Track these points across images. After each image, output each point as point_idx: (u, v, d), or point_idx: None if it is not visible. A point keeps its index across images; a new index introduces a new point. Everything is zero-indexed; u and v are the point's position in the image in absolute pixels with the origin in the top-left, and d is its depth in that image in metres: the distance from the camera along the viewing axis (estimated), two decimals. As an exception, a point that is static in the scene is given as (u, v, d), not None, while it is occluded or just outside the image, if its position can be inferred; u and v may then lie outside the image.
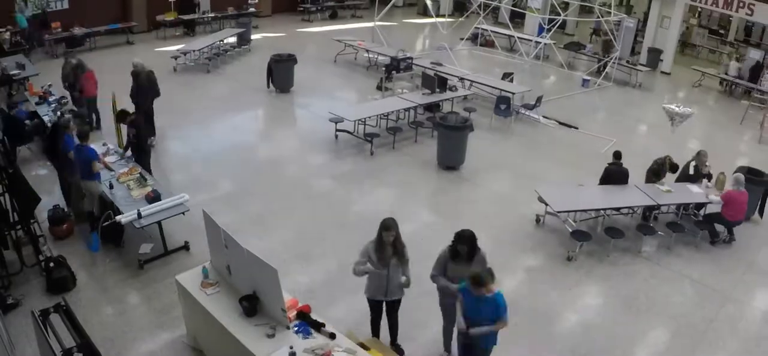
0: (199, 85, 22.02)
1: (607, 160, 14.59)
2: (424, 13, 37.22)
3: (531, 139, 19.51)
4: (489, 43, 31.16)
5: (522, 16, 33.23)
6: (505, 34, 30.85)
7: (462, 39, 29.58)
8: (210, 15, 30.02)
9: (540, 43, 28.14)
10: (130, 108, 14.99)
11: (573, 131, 20.37)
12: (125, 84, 16.18)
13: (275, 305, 8.09)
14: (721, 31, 36.08)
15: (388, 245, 8.74)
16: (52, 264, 10.68)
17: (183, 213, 11.59)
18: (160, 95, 16.75)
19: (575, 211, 13.73)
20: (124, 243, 12.03)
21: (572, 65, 29.18)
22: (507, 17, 30.65)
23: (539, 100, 20.88)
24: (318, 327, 8.17)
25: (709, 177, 14.57)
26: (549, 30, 28.96)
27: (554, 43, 29.07)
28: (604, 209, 14.04)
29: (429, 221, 14.08)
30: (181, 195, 11.86)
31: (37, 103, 16.75)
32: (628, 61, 27.85)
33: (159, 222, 11.52)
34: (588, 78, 25.88)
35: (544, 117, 21.00)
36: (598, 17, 28.20)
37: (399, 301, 9.34)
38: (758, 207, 15.03)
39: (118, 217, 11.18)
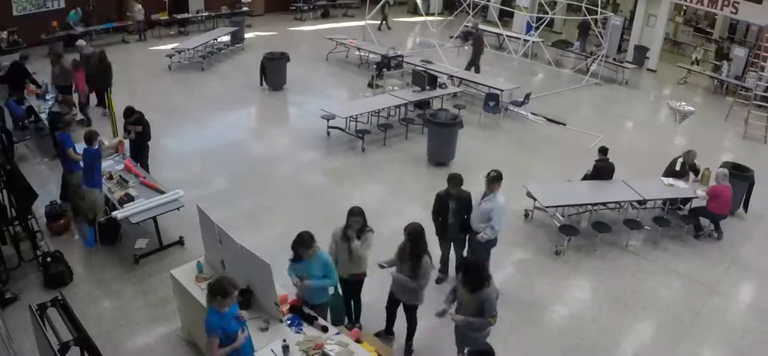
0: (194, 83, 22.01)
1: (594, 156, 14.68)
2: (414, 11, 37.24)
3: (520, 135, 19.59)
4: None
5: (510, 14, 33.30)
6: (493, 33, 30.91)
7: (451, 37, 29.63)
8: (204, 14, 30.06)
9: (528, 41, 28.23)
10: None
11: (561, 127, 20.46)
12: (122, 82, 16.18)
13: (268, 299, 8.15)
14: (708, 30, 36.24)
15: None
16: (49, 259, 10.71)
17: (178, 208, 11.60)
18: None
19: (563, 206, 13.82)
20: (121, 238, 12.06)
21: (560, 63, 29.27)
22: (496, 15, 30.76)
23: (528, 97, 20.93)
24: (310, 320, 8.24)
25: (696, 172, 14.66)
26: (537, 28, 29.06)
27: (542, 41, 29.21)
28: (592, 204, 14.14)
29: (419, 216, 14.08)
30: (175, 192, 11.88)
31: (37, 97, 16.93)
32: (614, 59, 27.97)
33: (154, 218, 11.56)
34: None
35: (532, 113, 21.09)
36: (585, 15, 28.26)
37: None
38: (743, 201, 15.10)
39: (114, 213, 11.22)
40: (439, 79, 20.68)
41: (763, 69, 23.00)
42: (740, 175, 14.76)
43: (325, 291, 8.84)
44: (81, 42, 18.21)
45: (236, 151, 16.75)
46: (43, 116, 15.64)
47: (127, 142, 13.83)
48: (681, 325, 11.02)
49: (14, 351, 8.92)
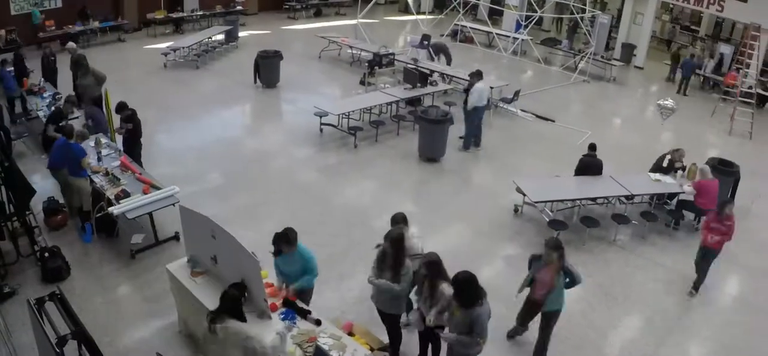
0: (189, 81, 22.00)
1: (583, 152, 14.72)
2: (406, 10, 37.23)
3: (509, 131, 19.64)
4: (468, 40, 31.23)
5: (500, 13, 33.31)
6: (483, 31, 30.95)
7: (442, 35, 29.66)
8: (199, 13, 30.05)
9: (517, 39, 28.27)
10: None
11: (550, 124, 20.53)
12: (118, 80, 16.16)
13: (258, 295, 8.21)
14: (693, 27, 36.32)
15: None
16: (47, 255, 10.73)
17: (173, 204, 11.60)
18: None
19: (552, 201, 13.88)
20: (118, 233, 12.08)
21: (548, 60, 29.34)
22: (485, 14, 30.80)
23: (517, 94, 20.98)
24: (304, 314, 8.27)
25: (683, 169, 14.71)
26: (526, 26, 29.11)
27: (531, 39, 29.26)
28: (580, 199, 14.21)
29: (410, 211, 14.10)
30: (171, 188, 11.91)
31: (34, 94, 16.94)
32: (602, 57, 28.05)
33: (150, 214, 11.59)
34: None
35: (521, 110, 21.15)
36: (573, 14, 28.33)
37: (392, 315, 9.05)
38: (729, 196, 15.15)
39: (110, 209, 11.23)
40: (429, 77, 20.71)
41: (748, 66, 23.07)
42: (726, 171, 14.83)
43: (310, 284, 8.90)
44: (71, 44, 18.21)
45: (230, 148, 16.76)
46: (41, 114, 15.61)
47: (120, 138, 13.91)
48: (668, 318, 11.09)
49: (12, 344, 8.93)
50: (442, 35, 29.21)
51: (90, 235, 11.87)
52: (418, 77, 20.06)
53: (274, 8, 34.91)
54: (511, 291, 11.16)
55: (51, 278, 10.56)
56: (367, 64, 23.61)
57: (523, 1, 31.99)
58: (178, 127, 17.79)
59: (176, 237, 12.03)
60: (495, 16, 33.56)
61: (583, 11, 27.63)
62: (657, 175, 14.44)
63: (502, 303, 10.47)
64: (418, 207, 14.44)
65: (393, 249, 8.42)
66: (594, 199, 14.41)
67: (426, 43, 26.10)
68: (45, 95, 16.76)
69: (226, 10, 31.09)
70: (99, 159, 12.82)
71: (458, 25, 30.61)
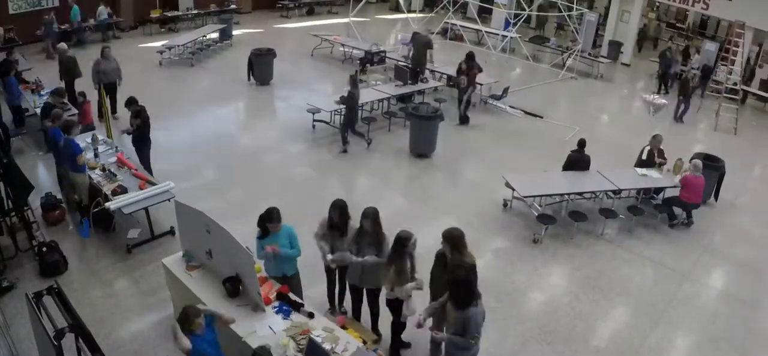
0: (184, 79, 21.97)
1: (571, 148, 14.78)
2: (396, 8, 37.20)
3: (498, 128, 19.69)
4: (458, 37, 31.25)
5: (489, 11, 33.32)
6: (473, 29, 30.97)
7: (432, 33, 29.67)
8: (193, 12, 30.08)
9: (506, 36, 28.30)
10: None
11: (538, 120, 20.58)
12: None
13: (252, 288, 8.24)
14: (679, 25, 36.45)
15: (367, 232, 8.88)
16: (44, 249, 10.75)
17: (169, 200, 11.59)
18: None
19: (541, 196, 13.93)
20: (114, 228, 12.09)
21: (537, 58, 29.38)
22: (475, 12, 30.84)
23: (506, 90, 21.03)
24: (297, 307, 8.29)
25: (662, 156, 14.77)
26: (515, 24, 29.14)
27: (520, 37, 29.32)
28: (568, 194, 14.26)
29: (401, 206, 14.22)
30: (167, 183, 11.92)
31: (32, 91, 16.90)
32: (589, 54, 28.11)
33: (146, 209, 11.60)
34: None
35: (510, 107, 21.19)
36: (561, 12, 28.39)
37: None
38: (714, 191, 15.27)
39: (107, 204, 11.23)
40: (420, 75, 20.72)
41: (733, 63, 23.18)
42: (711, 166, 14.91)
43: (294, 262, 8.98)
44: (62, 45, 18.18)
45: (225, 144, 16.76)
46: (39, 111, 15.57)
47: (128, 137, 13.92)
48: (654, 311, 11.15)
49: (11, 337, 8.96)
50: (432, 33, 29.24)
51: (87, 230, 11.87)
52: (408, 74, 20.09)
53: (267, 7, 34.86)
54: (501, 285, 11.29)
55: (49, 272, 10.57)
56: (358, 62, 23.61)
57: (512, 0, 32.06)
58: (174, 124, 17.76)
59: (172, 232, 12.04)
60: (484, 14, 33.62)
61: (571, 9, 27.70)
62: (643, 170, 14.48)
63: (492, 295, 10.54)
64: (409, 201, 14.49)
65: (373, 225, 8.76)
66: (582, 194, 14.47)
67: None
68: (42, 92, 16.70)
69: (220, 8, 31.07)
70: (96, 155, 12.82)
71: (448, 23, 30.63)
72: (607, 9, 32.37)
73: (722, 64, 24.61)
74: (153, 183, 11.97)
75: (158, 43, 24.15)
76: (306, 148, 16.93)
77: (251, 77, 21.98)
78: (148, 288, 10.64)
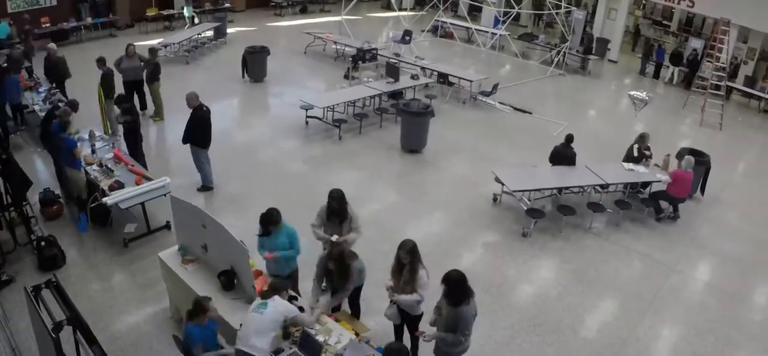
0: (179, 76, 21.91)
1: (560, 143, 14.77)
2: (388, 7, 37.21)
3: (488, 123, 19.75)
4: (448, 35, 31.31)
5: (479, 9, 33.36)
6: (463, 27, 31.05)
7: (423, 31, 29.71)
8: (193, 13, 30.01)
9: (496, 34, 28.36)
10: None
11: (527, 116, 20.65)
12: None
13: (247, 282, 8.27)
14: (665, 22, 36.52)
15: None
16: (43, 243, 10.75)
17: (165, 195, 11.64)
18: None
19: (530, 190, 13.94)
20: (111, 223, 12.09)
21: (526, 55, 29.47)
22: (465, 10, 30.89)
23: (495, 87, 21.10)
24: (290, 301, 8.31)
25: (650, 154, 14.85)
26: (504, 22, 29.19)
27: (509, 34, 29.39)
28: (557, 188, 14.33)
29: (393, 201, 14.26)
30: (163, 179, 11.92)
31: (30, 89, 16.86)
32: (578, 51, 28.19)
33: (142, 204, 11.63)
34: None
35: (500, 103, 21.25)
36: (550, 10, 28.46)
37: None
38: (700, 185, 15.36)
39: (104, 199, 11.24)
40: (412, 72, 20.76)
41: (718, 60, 23.28)
42: (697, 161, 14.95)
43: (293, 260, 9.00)
44: (52, 45, 18.16)
45: (220, 140, 16.62)
46: (37, 108, 15.57)
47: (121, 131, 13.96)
48: (642, 303, 11.21)
49: (10, 330, 8.98)
50: (423, 31, 29.30)
51: (85, 225, 11.86)
52: (400, 71, 20.11)
53: (261, 5, 34.85)
54: (491, 278, 11.33)
55: (47, 266, 10.58)
56: (350, 59, 23.63)
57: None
58: (169, 120, 17.73)
59: (168, 227, 12.05)
60: (474, 12, 33.74)
61: (559, 7, 27.78)
62: (630, 165, 14.54)
63: (482, 288, 10.58)
64: (400, 196, 14.53)
65: (338, 204, 9.30)
66: (570, 188, 14.52)
67: (407, 38, 26.14)
68: (40, 90, 16.70)
69: (214, 7, 31.10)
70: (93, 151, 12.82)
71: (439, 21, 30.68)
72: (595, 7, 32.44)
73: (708, 61, 24.71)
74: (149, 179, 11.98)
75: (154, 41, 24.08)
76: (299, 144, 16.95)
77: (245, 74, 21.98)
78: (144, 282, 10.66)
